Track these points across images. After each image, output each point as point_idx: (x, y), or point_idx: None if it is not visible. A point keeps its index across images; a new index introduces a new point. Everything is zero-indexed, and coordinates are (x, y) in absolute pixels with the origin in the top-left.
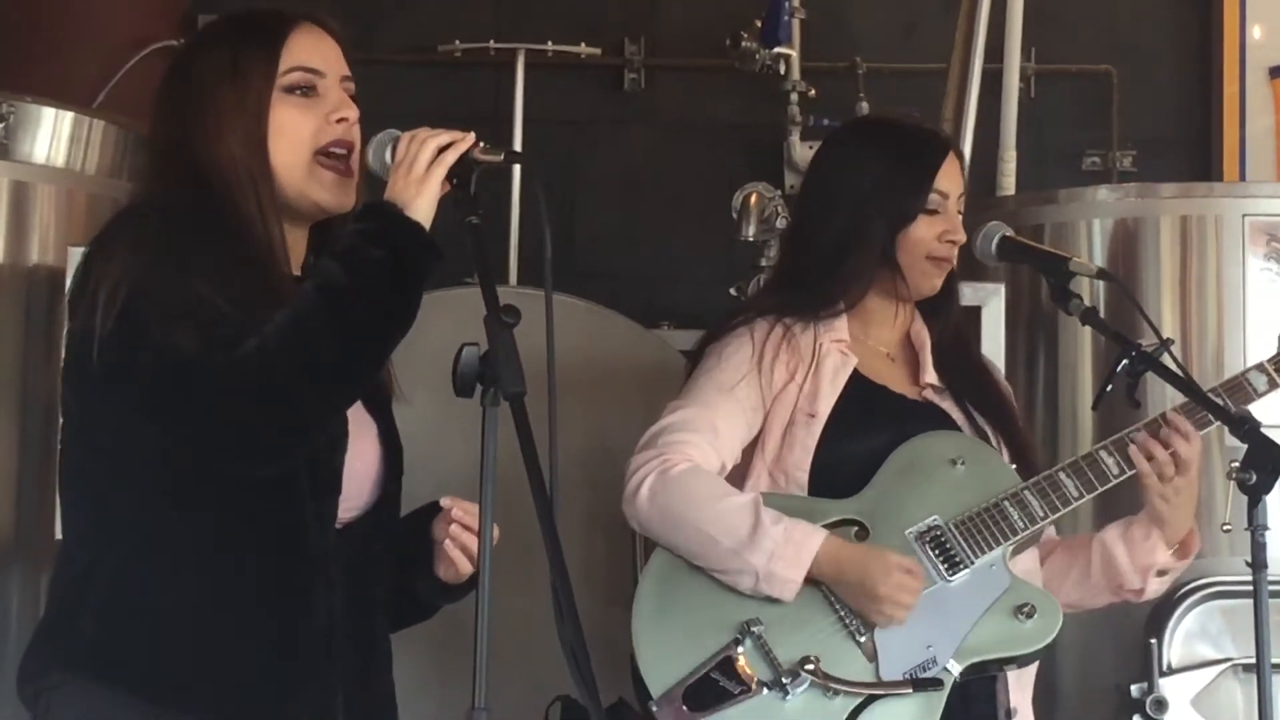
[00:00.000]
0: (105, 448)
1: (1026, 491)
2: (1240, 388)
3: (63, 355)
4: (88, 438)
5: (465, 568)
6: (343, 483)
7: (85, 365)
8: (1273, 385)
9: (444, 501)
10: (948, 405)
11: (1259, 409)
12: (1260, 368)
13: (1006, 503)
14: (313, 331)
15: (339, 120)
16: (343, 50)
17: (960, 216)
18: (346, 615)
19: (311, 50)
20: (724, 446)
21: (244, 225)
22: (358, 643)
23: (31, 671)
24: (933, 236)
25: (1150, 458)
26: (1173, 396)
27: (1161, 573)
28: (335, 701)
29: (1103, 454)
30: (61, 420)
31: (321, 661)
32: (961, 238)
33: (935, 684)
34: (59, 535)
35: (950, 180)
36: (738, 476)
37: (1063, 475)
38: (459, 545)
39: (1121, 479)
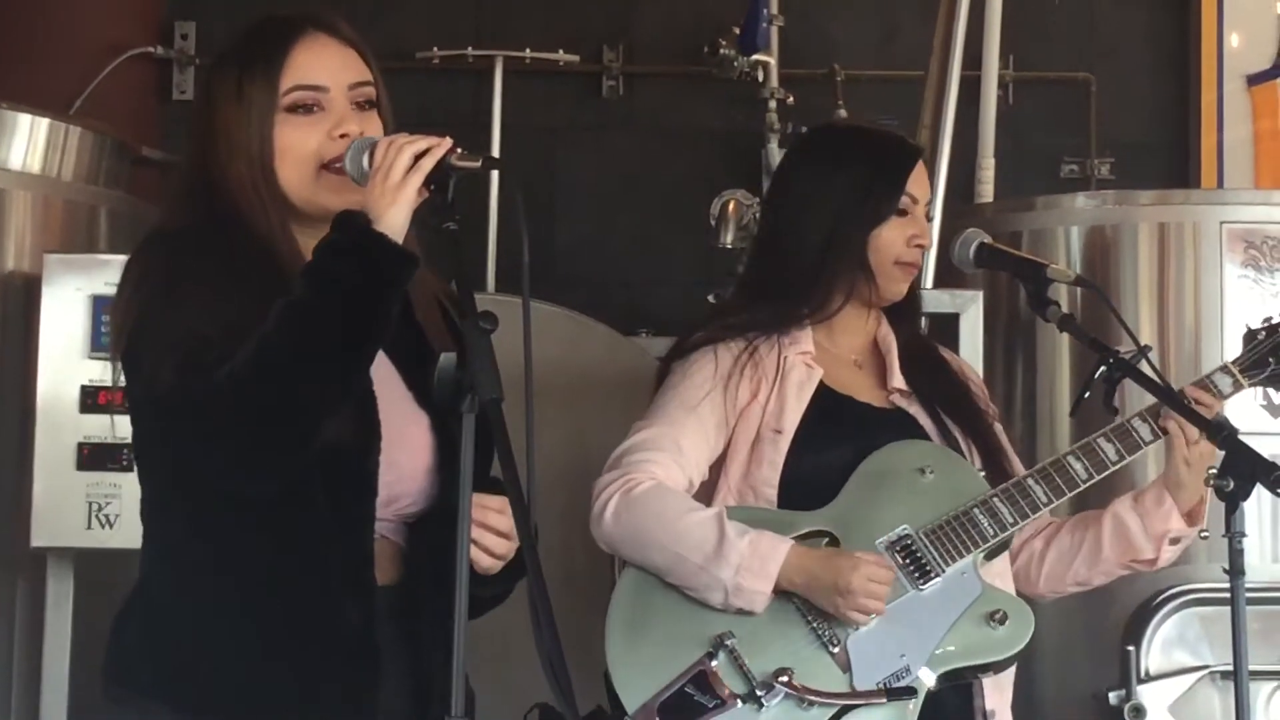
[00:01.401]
0: (143, 471)
1: (995, 498)
2: (1205, 389)
3: None
4: (136, 461)
5: (486, 561)
6: (383, 483)
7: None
8: (1237, 386)
9: None
10: (915, 410)
11: (1237, 415)
12: (1225, 369)
13: (976, 510)
14: (276, 351)
15: (341, 136)
16: (359, 51)
17: (930, 224)
18: (394, 614)
19: (314, 65)
20: (689, 464)
21: (257, 242)
22: (408, 640)
23: (102, 685)
24: (902, 240)
25: (1179, 423)
26: (1150, 403)
27: (1175, 540)
28: (371, 703)
29: (1070, 459)
30: None
31: (357, 665)
32: (928, 242)
33: (909, 693)
34: (35, 544)
35: (919, 186)
36: (705, 495)
37: (1031, 481)
38: (475, 542)
39: (1089, 483)
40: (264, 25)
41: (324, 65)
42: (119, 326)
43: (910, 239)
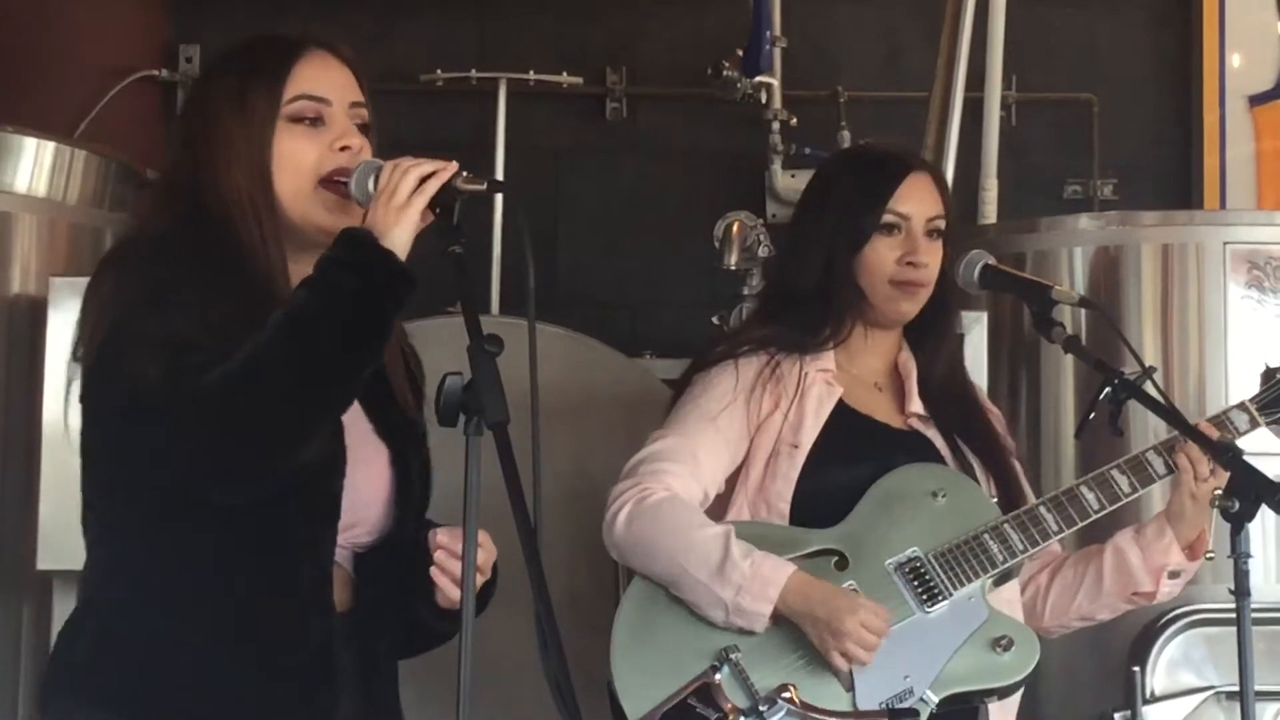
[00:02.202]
0: (102, 480)
1: (1006, 525)
2: (1221, 425)
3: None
4: (90, 471)
5: (455, 593)
6: (343, 508)
7: (81, 401)
8: (1254, 424)
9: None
10: (932, 434)
11: (1242, 437)
12: (1242, 406)
13: (986, 535)
14: (274, 359)
15: (342, 148)
16: (356, 76)
17: (936, 243)
18: (349, 641)
19: (318, 78)
20: (705, 475)
21: (245, 254)
22: (362, 668)
23: (43, 700)
24: (891, 259)
25: (1190, 459)
26: (1155, 424)
27: (1174, 574)
28: None
29: (1083, 489)
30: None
31: (317, 687)
32: (923, 260)
33: (911, 714)
34: (41, 567)
35: (913, 202)
36: (720, 506)
37: (1043, 509)
38: (446, 572)
39: (1101, 514)
40: (267, 39)
41: (328, 80)
42: (95, 324)
43: (901, 257)
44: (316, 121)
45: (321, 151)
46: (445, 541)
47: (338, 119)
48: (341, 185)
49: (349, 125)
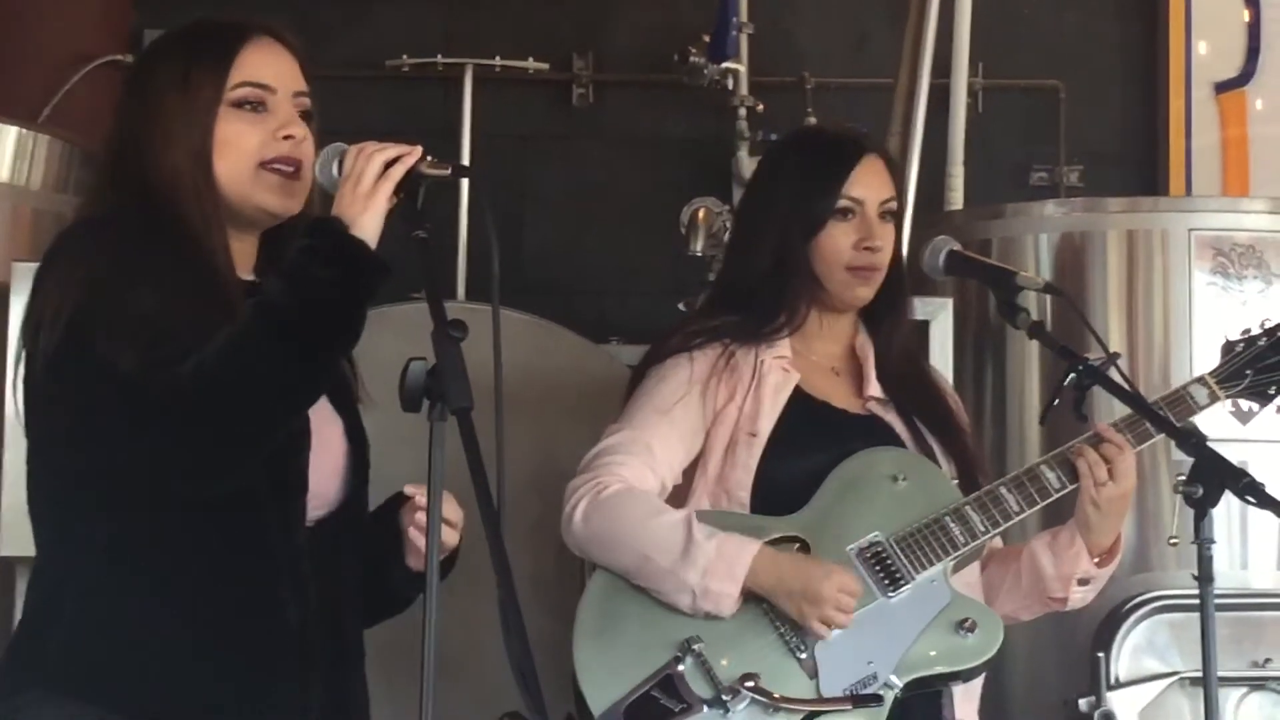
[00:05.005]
0: (65, 465)
1: (967, 506)
2: (1181, 400)
3: (22, 376)
4: (48, 456)
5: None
6: (309, 481)
7: (36, 385)
8: (1213, 398)
9: (408, 489)
10: (891, 418)
11: (1206, 423)
12: (1201, 381)
13: (947, 518)
14: (253, 350)
15: (285, 137)
16: (300, 64)
17: (889, 225)
18: (319, 614)
19: (264, 65)
20: (661, 467)
21: (189, 235)
22: (331, 640)
23: (5, 689)
24: (847, 244)
25: (1088, 464)
26: (1120, 410)
27: (1084, 581)
28: (311, 704)
29: (1044, 469)
30: (26, 439)
31: (295, 664)
32: (879, 244)
33: (875, 700)
34: (3, 553)
35: (867, 186)
36: (679, 498)
37: (1004, 490)
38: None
39: (1062, 493)
40: (213, 23)
41: (273, 67)
42: (57, 304)
43: (858, 242)
44: (259, 107)
45: (264, 138)
46: (424, 502)
47: (281, 106)
48: (283, 171)
49: (293, 114)
